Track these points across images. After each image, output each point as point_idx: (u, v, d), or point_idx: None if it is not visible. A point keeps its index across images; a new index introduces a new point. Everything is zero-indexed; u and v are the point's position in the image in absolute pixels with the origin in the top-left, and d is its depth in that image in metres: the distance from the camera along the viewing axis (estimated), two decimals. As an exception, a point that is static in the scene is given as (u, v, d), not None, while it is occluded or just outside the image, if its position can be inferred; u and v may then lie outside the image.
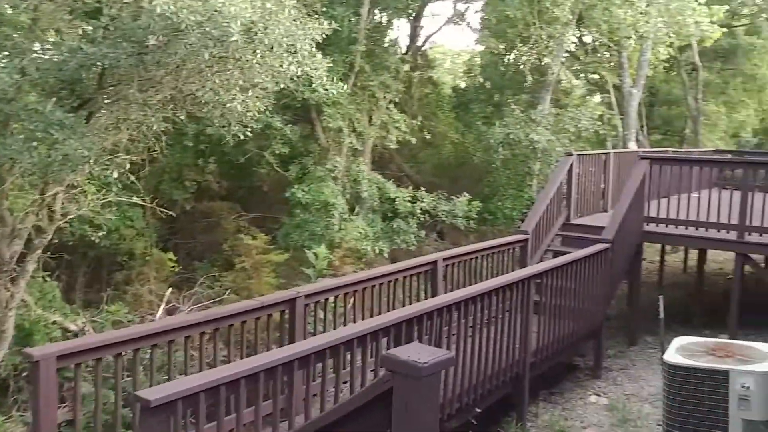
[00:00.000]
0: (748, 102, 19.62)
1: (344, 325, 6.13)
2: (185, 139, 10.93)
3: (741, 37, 18.50)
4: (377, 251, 10.83)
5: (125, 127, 6.42)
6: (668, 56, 16.41)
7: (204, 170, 12.64)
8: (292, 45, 5.28)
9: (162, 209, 8.61)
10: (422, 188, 13.24)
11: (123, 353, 4.39)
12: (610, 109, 17.02)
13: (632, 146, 14.91)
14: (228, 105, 5.48)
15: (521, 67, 13.54)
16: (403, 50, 15.10)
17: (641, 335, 9.20)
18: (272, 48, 5.12)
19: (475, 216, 12.07)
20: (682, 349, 5.67)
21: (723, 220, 8.28)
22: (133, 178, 7.70)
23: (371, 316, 6.37)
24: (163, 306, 8.46)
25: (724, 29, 12.10)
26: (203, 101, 5.84)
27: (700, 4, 11.54)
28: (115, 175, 6.82)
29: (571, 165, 9.88)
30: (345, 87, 8.52)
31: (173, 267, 10.14)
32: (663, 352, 5.92)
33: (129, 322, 7.90)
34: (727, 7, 13.39)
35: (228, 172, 13.58)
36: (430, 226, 13.89)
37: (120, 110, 6.14)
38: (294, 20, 5.27)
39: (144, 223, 10.59)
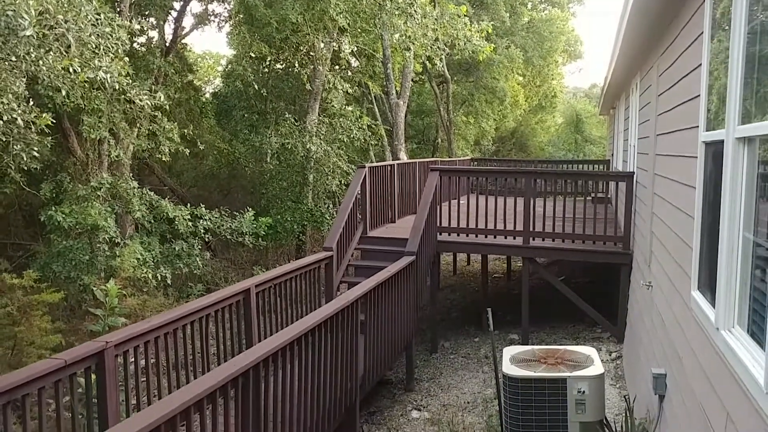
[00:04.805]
0: (489, 113, 22.00)
1: (160, 381, 5.21)
2: None
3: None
4: (159, 278, 9.48)
5: None
6: (422, 69, 17.46)
7: None
8: (97, 46, 4.09)
9: None
10: (192, 203, 12.07)
11: None
12: (374, 119, 17.55)
13: (403, 156, 15.49)
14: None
15: (302, 73, 13.12)
16: (163, 52, 13.67)
17: (438, 341, 9.48)
18: (69, 47, 3.90)
19: (264, 233, 11.30)
20: (515, 359, 5.83)
21: (509, 227, 8.90)
22: None
23: (185, 362, 5.63)
24: None
25: (492, 45, 13.25)
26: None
27: (471, 21, 12.44)
28: None
29: (364, 177, 9.80)
30: (161, 97, 7.21)
31: None
32: (495, 363, 6.06)
33: None
34: (492, 23, 14.67)
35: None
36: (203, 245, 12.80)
37: None
38: (98, 14, 4.09)
39: None
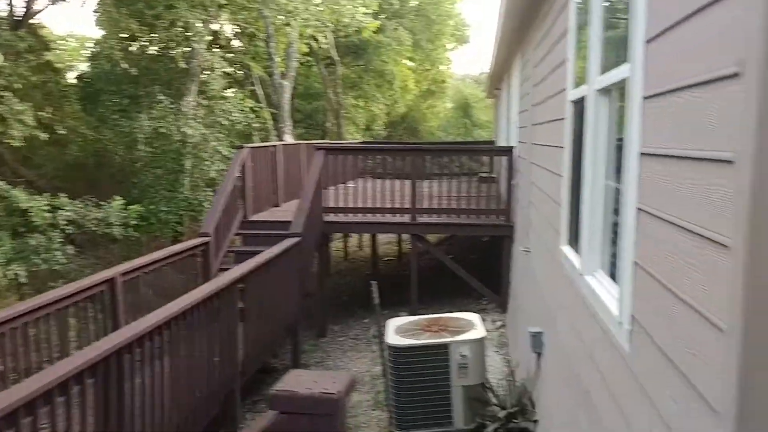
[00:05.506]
0: (379, 97, 21.89)
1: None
2: None
3: (370, 34, 20.06)
4: (11, 277, 8.55)
5: None
6: (309, 50, 17.01)
7: None
8: None
9: None
10: (54, 195, 11.00)
11: None
12: (257, 102, 16.94)
13: (288, 139, 15.05)
14: None
15: (176, 53, 12.33)
16: (12, 26, 12.29)
17: (327, 325, 9.27)
18: None
19: (134, 222, 10.52)
20: (400, 330, 5.73)
21: (397, 206, 8.82)
22: None
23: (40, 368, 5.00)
24: None
25: (378, 22, 13.05)
26: None
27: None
28: None
29: (245, 159, 9.36)
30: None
31: None
32: (381, 336, 5.92)
33: None
34: (380, 2, 14.44)
35: None
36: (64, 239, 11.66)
37: None
38: None
39: None
